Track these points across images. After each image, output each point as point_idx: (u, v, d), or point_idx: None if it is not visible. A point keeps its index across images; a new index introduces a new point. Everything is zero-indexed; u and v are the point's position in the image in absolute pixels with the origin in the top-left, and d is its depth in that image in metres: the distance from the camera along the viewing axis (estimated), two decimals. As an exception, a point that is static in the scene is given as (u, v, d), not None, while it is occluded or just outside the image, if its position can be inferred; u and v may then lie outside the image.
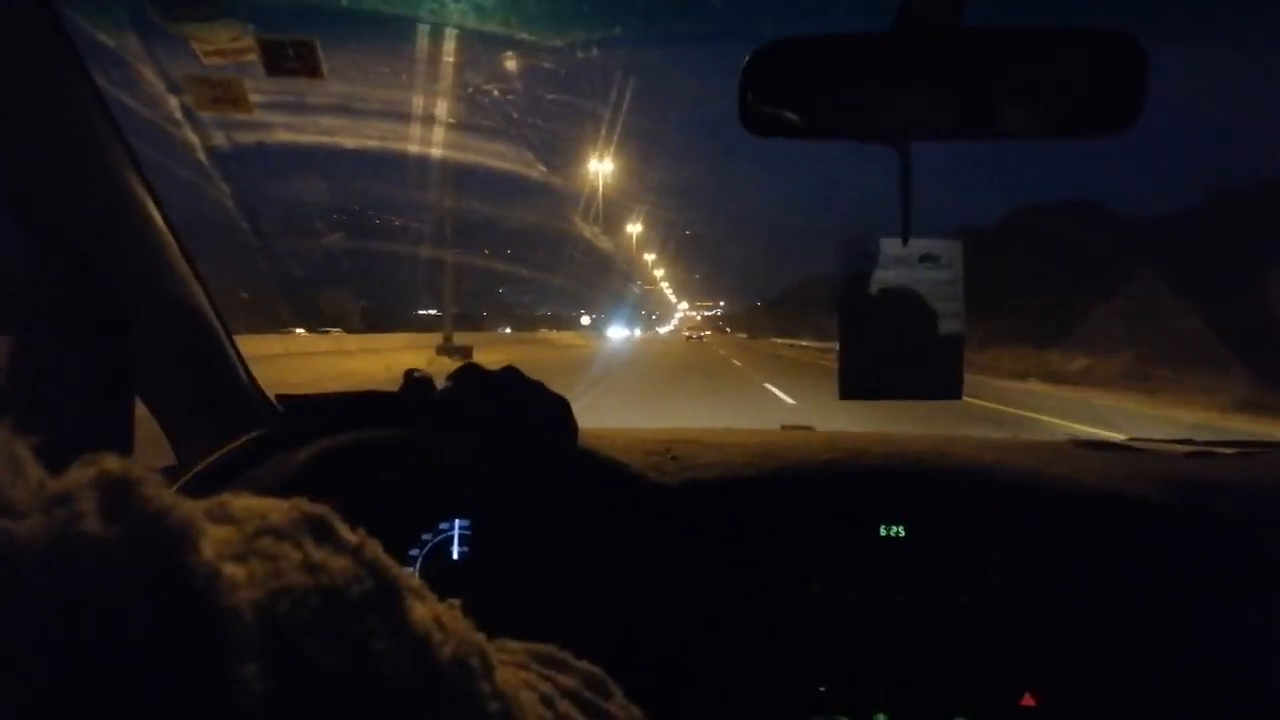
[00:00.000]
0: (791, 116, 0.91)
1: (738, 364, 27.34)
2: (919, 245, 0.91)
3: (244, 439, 1.13)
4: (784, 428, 1.52)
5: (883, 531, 1.08)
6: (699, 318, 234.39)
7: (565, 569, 0.78)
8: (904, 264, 0.91)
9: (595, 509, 1.03)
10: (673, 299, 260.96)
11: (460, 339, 29.54)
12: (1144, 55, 0.86)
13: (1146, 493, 1.12)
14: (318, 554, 0.29)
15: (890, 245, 0.91)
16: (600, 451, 1.13)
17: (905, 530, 1.08)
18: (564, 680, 0.45)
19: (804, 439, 1.31)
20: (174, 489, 0.28)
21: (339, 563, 0.30)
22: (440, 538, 1.06)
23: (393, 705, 0.28)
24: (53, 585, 0.22)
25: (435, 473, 1.05)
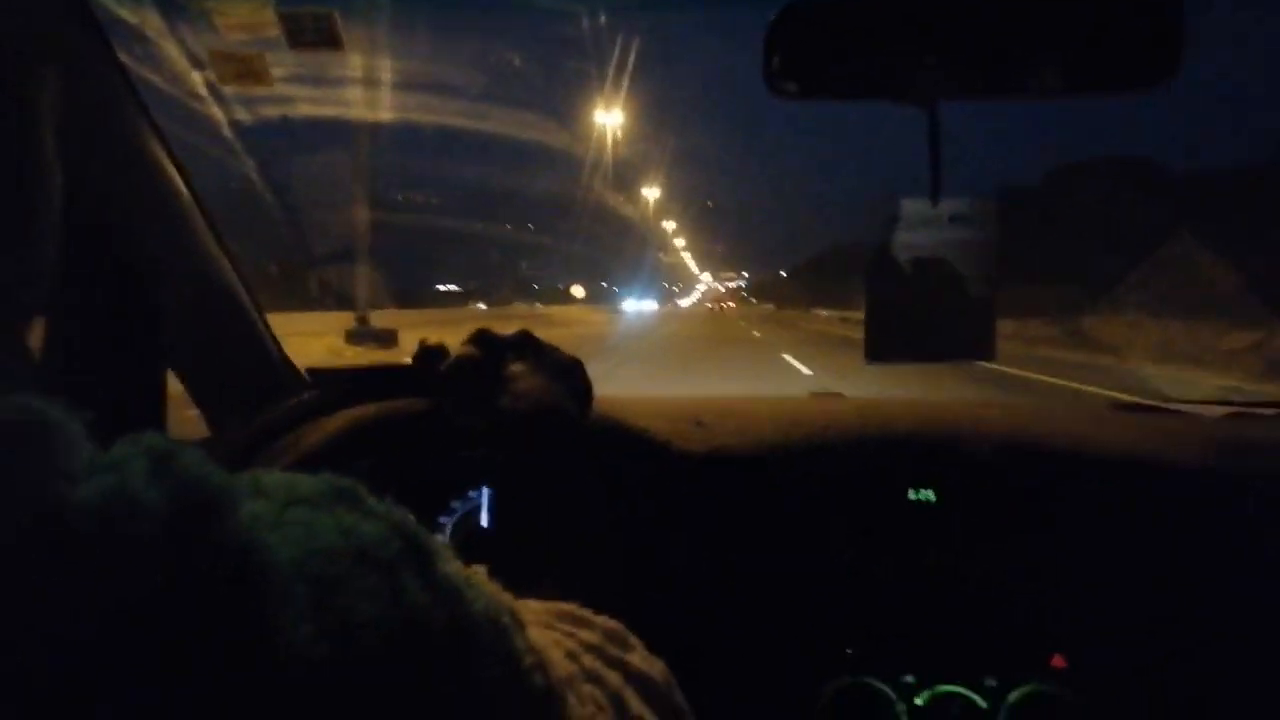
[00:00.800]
0: (816, 78, 0.90)
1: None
2: (949, 205, 0.89)
3: (275, 411, 1.15)
4: (812, 395, 1.51)
5: (911, 495, 1.07)
6: (722, 289, 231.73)
7: (585, 532, 0.78)
8: (934, 224, 0.89)
9: (619, 476, 1.03)
10: (695, 270, 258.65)
11: (406, 318, 26.95)
12: (1180, 7, 0.83)
13: (1183, 455, 1.10)
14: (348, 519, 0.31)
15: (920, 205, 0.89)
16: (625, 419, 1.13)
17: (935, 494, 1.07)
18: (586, 635, 0.46)
19: (833, 406, 1.30)
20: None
21: (369, 526, 0.31)
22: (469, 506, 1.07)
23: (430, 654, 0.29)
24: (104, 543, 0.24)
25: (460, 441, 1.06)
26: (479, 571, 0.37)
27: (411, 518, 0.33)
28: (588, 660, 0.43)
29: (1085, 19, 0.86)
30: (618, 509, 1.01)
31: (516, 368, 0.78)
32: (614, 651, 0.46)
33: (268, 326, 1.25)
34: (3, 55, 0.36)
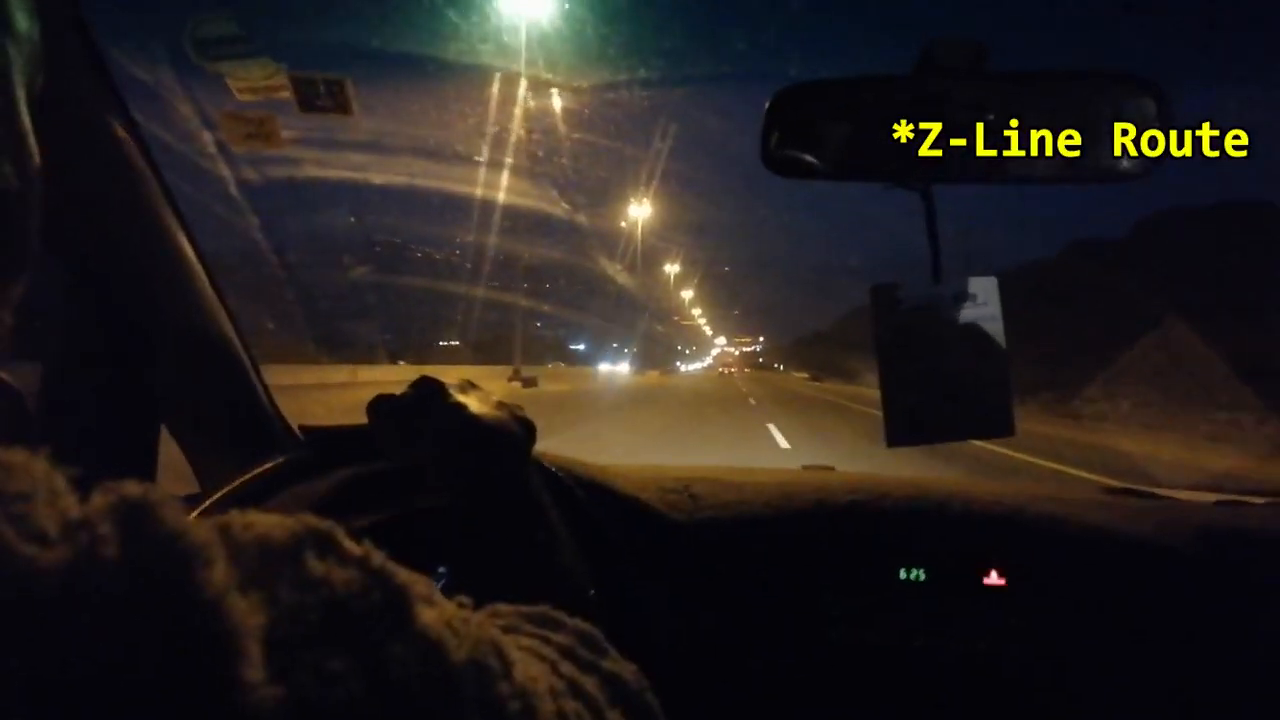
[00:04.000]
0: (812, 159, 0.92)
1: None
2: (952, 285, 0.90)
3: (265, 467, 1.14)
4: (805, 468, 1.50)
5: (903, 575, 1.07)
6: (736, 354, 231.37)
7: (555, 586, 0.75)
8: (940, 305, 0.90)
9: (609, 545, 1.02)
10: (709, 334, 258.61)
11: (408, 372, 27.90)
12: (1168, 101, 0.86)
13: (1174, 542, 1.10)
14: (321, 568, 0.30)
15: (923, 287, 0.90)
16: (617, 487, 1.12)
17: (926, 574, 1.06)
18: (560, 639, 0.45)
19: (824, 479, 1.29)
20: (195, 515, 0.29)
21: (344, 575, 0.30)
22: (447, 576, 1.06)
23: (408, 711, 0.29)
24: (68, 609, 0.23)
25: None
26: (465, 606, 0.36)
27: (390, 563, 0.33)
28: (566, 668, 0.42)
29: (1076, 107, 0.89)
30: (603, 570, 1.00)
31: (460, 399, 0.78)
32: (588, 655, 0.45)
33: (263, 382, 1.25)
34: (11, 107, 0.36)
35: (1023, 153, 0.89)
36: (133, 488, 0.27)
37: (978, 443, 0.97)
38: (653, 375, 79.89)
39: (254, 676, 0.25)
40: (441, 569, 1.04)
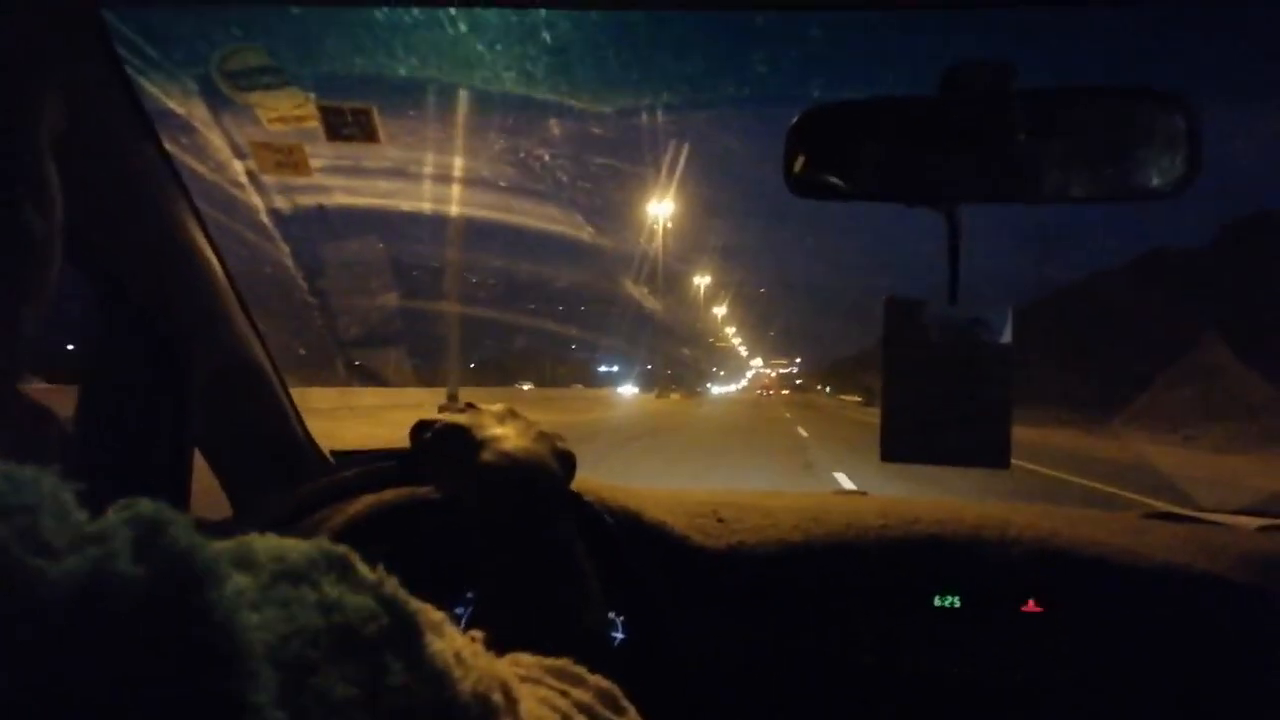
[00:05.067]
0: (836, 180, 0.92)
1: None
2: (967, 308, 0.89)
3: (298, 492, 1.15)
4: (835, 493, 1.48)
5: (937, 602, 1.05)
6: (773, 375, 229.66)
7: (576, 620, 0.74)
8: (952, 327, 0.89)
9: (636, 570, 1.02)
10: (744, 355, 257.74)
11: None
12: (1198, 116, 0.84)
13: (1216, 568, 1.07)
14: (334, 592, 0.30)
15: (938, 308, 0.90)
16: (644, 512, 1.11)
17: (960, 601, 1.04)
18: (578, 694, 0.45)
19: (855, 504, 1.27)
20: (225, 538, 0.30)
21: (356, 600, 0.31)
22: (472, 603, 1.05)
23: None
24: (77, 621, 0.23)
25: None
26: (476, 640, 0.36)
27: (402, 591, 0.33)
28: None
29: (1105, 124, 0.88)
30: (630, 597, 0.99)
31: (499, 431, 0.78)
32: (605, 713, 0.45)
33: (294, 406, 1.27)
34: (38, 136, 0.37)
35: (1051, 171, 0.88)
36: (145, 505, 0.27)
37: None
38: (674, 399, 73.57)
39: (259, 697, 0.25)
40: (470, 594, 1.04)
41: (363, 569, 0.32)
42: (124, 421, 1.03)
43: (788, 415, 35.25)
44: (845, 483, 9.95)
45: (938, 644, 1.03)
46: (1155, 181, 0.86)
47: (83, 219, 0.91)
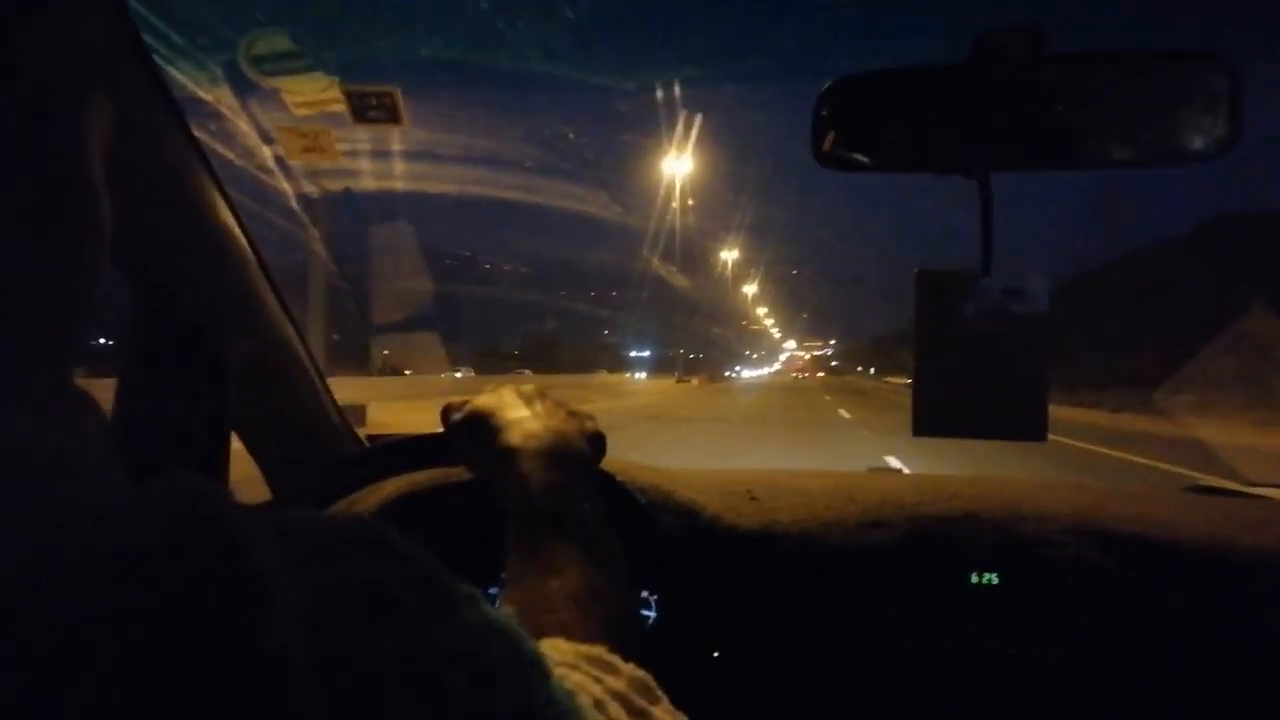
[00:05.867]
0: (865, 151, 0.91)
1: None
2: (1001, 278, 0.88)
3: (332, 474, 1.16)
4: (871, 471, 1.46)
5: (974, 579, 1.04)
6: (807, 357, 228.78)
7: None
8: (985, 297, 0.88)
9: (669, 550, 1.02)
10: (778, 337, 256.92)
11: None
12: (1239, 77, 0.82)
13: (1262, 543, 1.05)
14: (370, 561, 0.31)
15: (971, 279, 0.88)
16: (673, 490, 1.11)
17: (999, 578, 1.03)
18: (612, 682, 0.45)
19: (890, 481, 1.26)
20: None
21: (390, 569, 0.31)
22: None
23: (438, 703, 0.29)
24: (119, 581, 0.24)
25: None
26: (509, 615, 0.36)
27: (437, 563, 0.33)
28: (613, 709, 0.42)
29: (1142, 87, 0.86)
30: (663, 577, 0.99)
31: (527, 412, 0.78)
32: (639, 702, 0.45)
33: (329, 391, 1.28)
34: (69, 126, 0.37)
35: (1086, 137, 0.86)
36: (183, 475, 0.28)
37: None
38: (693, 383, 69.33)
39: (287, 654, 0.26)
40: (503, 575, 1.04)
41: (396, 542, 0.33)
42: (162, 408, 1.04)
43: (828, 399, 31.34)
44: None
45: (975, 622, 1.02)
46: (1197, 144, 0.83)
47: (116, 211, 0.92)
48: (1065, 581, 1.02)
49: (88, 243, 0.38)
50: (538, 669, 0.35)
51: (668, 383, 70.29)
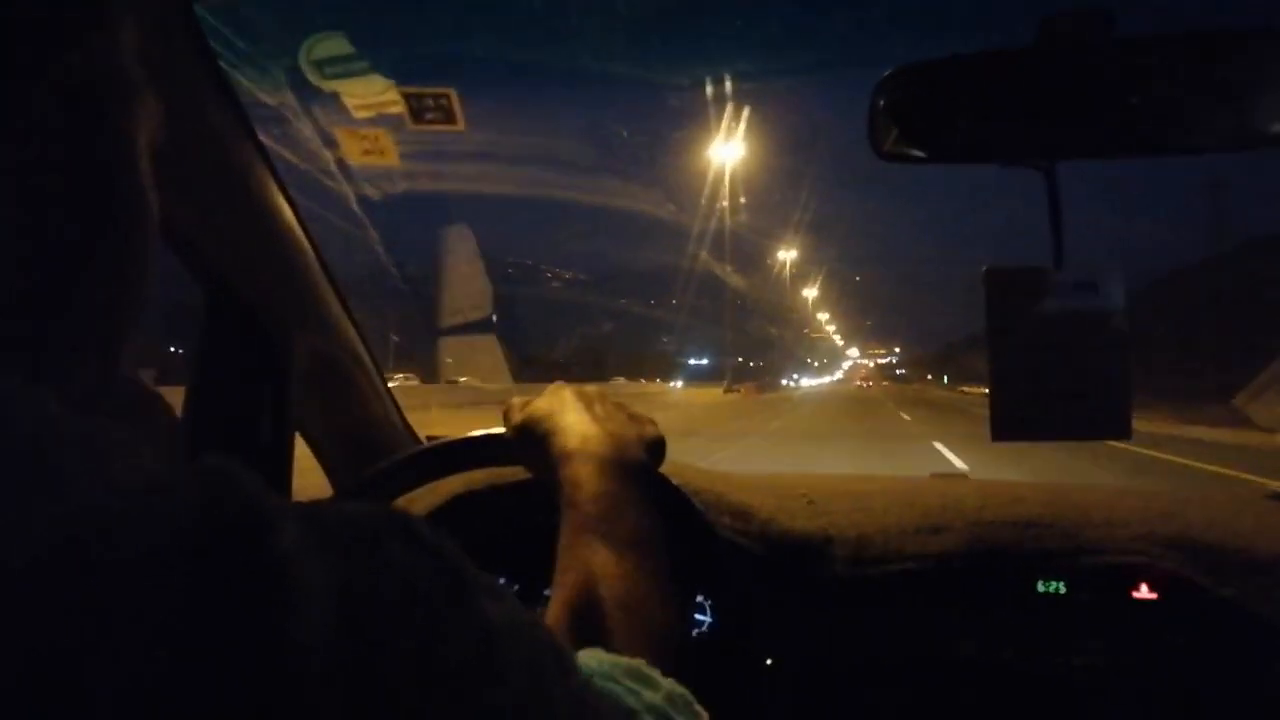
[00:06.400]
0: (925, 143, 0.88)
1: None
2: (1074, 271, 0.84)
3: (392, 472, 1.18)
4: (933, 476, 1.42)
5: (1041, 587, 1.01)
6: (871, 365, 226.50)
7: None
8: (1058, 293, 0.85)
9: (725, 556, 1.01)
10: (840, 345, 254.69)
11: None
12: None
13: None
14: (398, 551, 0.31)
15: (1043, 274, 0.85)
16: (729, 494, 1.10)
17: (1066, 586, 1.00)
18: (649, 696, 0.45)
19: (954, 486, 1.23)
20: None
21: (418, 560, 0.31)
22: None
23: (455, 690, 0.29)
24: (145, 561, 0.25)
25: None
26: (536, 615, 0.36)
27: (463, 555, 0.34)
28: None
29: (1216, 69, 0.82)
30: (719, 582, 0.98)
31: (586, 415, 0.77)
32: (677, 718, 0.44)
33: (390, 392, 1.30)
34: (139, 141, 0.39)
35: (1158, 122, 0.83)
36: (216, 459, 0.29)
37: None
38: (737, 394, 64.53)
39: (310, 636, 0.26)
40: (547, 591, 1.05)
41: (425, 532, 0.33)
42: (228, 408, 1.07)
43: (906, 418, 26.88)
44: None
45: (1041, 632, 0.99)
46: (1277, 128, 0.80)
47: (185, 217, 0.95)
48: (1136, 590, 0.99)
49: (134, 234, 0.39)
50: (559, 667, 0.35)
51: (714, 393, 65.90)
